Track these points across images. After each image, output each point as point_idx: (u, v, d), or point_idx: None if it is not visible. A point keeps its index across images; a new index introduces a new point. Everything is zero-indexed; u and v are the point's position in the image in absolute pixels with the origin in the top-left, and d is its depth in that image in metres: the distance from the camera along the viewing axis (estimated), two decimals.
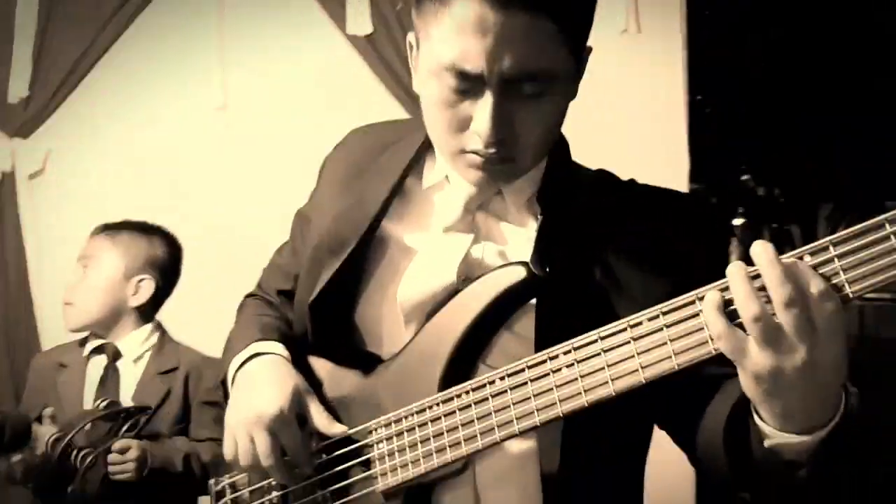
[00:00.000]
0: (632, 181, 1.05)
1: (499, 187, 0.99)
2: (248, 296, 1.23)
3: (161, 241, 1.98)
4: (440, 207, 1.02)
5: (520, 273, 0.91)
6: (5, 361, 2.99)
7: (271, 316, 1.13)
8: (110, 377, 1.85)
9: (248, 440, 0.95)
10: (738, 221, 9.02)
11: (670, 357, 0.76)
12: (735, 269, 0.71)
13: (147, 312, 1.95)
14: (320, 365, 1.05)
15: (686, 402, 0.91)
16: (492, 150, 0.90)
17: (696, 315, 0.75)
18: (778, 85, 6.38)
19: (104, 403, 1.67)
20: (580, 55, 0.94)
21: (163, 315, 2.02)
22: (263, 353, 1.02)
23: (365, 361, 1.01)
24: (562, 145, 1.05)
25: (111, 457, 1.62)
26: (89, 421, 1.62)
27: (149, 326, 1.93)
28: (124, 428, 1.66)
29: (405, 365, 0.97)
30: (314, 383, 1.03)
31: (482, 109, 0.87)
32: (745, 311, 0.70)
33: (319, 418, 0.96)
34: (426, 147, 1.05)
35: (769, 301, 0.69)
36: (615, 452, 0.94)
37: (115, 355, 1.88)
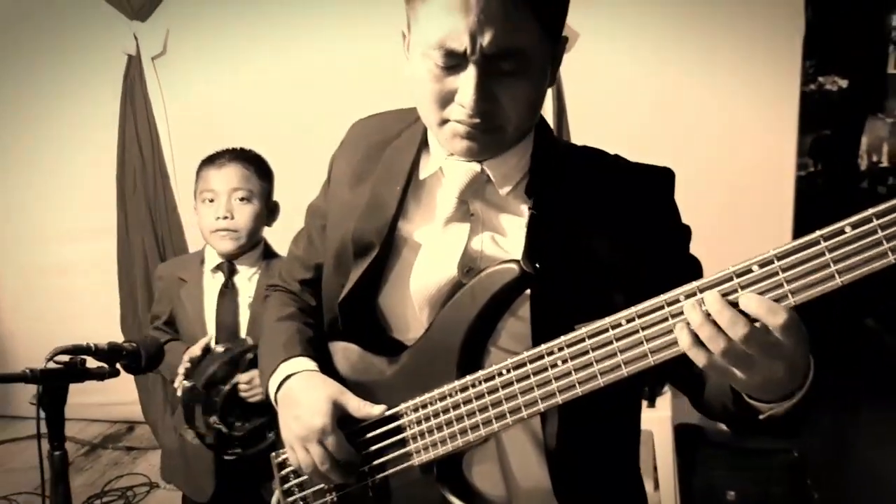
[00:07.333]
0: (616, 157, 1.12)
1: (485, 169, 1.07)
2: (271, 286, 1.35)
3: (263, 167, 2.15)
4: (440, 200, 1.12)
5: (513, 271, 1.01)
6: (147, 221, 3.42)
7: (294, 318, 1.25)
8: (228, 293, 2.08)
9: (305, 452, 1.10)
10: None
11: (646, 355, 0.88)
12: (696, 318, 0.82)
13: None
14: (350, 350, 1.18)
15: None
16: (476, 121, 0.99)
17: (665, 319, 0.86)
18: None
19: (222, 350, 1.90)
20: (556, 42, 1.02)
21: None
22: (294, 374, 1.15)
23: (390, 347, 1.14)
24: (544, 129, 1.12)
25: (241, 387, 1.88)
26: (216, 365, 1.87)
27: (260, 245, 2.14)
28: (247, 359, 1.89)
29: (423, 354, 1.09)
30: (340, 367, 1.18)
31: (465, 83, 0.96)
32: (714, 347, 0.82)
33: (358, 409, 1.10)
34: (423, 142, 1.14)
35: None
36: (607, 416, 1.08)
37: (232, 272, 2.10)
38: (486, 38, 0.93)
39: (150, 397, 3.50)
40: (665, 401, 2.62)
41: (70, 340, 1.26)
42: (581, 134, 2.78)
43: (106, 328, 3.35)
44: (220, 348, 1.91)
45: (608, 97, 2.94)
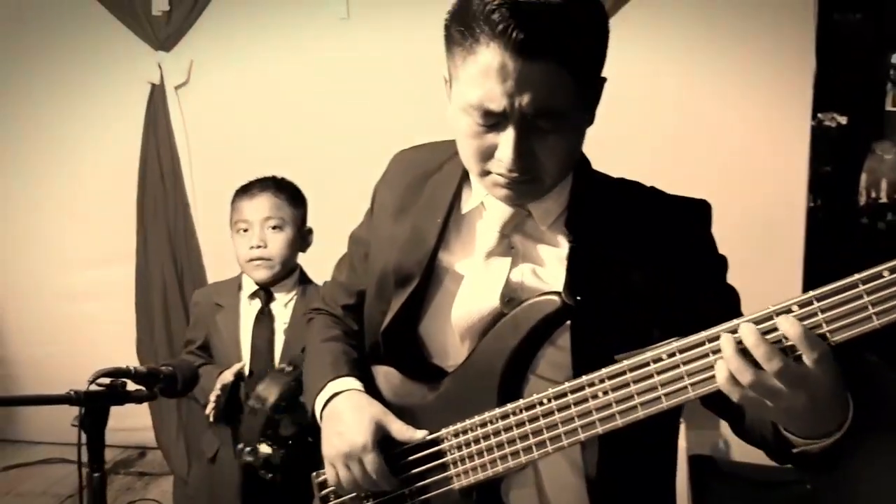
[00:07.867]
0: (653, 189, 1.17)
1: (526, 205, 1.12)
2: (314, 309, 1.40)
3: (295, 194, 2.22)
4: (480, 233, 1.16)
5: (554, 303, 1.06)
6: (167, 247, 3.43)
7: (339, 339, 1.29)
8: (264, 320, 2.13)
9: (346, 469, 1.15)
10: None
11: (687, 389, 0.92)
12: (727, 351, 0.87)
13: None
14: (392, 374, 1.22)
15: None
16: (515, 175, 1.03)
17: (706, 355, 0.91)
18: None
19: (290, 368, 1.91)
20: (593, 89, 1.06)
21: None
22: (341, 392, 1.20)
23: (431, 373, 1.18)
24: (583, 164, 1.17)
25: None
26: (283, 386, 1.83)
27: (296, 272, 2.20)
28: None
29: (464, 381, 1.14)
30: (382, 390, 1.22)
31: (505, 142, 1.01)
32: (742, 379, 0.86)
33: (401, 433, 1.14)
34: (464, 177, 1.19)
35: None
36: (647, 445, 1.11)
37: (269, 299, 2.15)
38: (524, 100, 0.97)
39: (163, 423, 3.50)
40: (679, 432, 2.64)
41: (81, 366, 1.27)
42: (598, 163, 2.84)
43: (119, 353, 3.37)
44: (288, 367, 1.92)
45: (620, 123, 3.00)
